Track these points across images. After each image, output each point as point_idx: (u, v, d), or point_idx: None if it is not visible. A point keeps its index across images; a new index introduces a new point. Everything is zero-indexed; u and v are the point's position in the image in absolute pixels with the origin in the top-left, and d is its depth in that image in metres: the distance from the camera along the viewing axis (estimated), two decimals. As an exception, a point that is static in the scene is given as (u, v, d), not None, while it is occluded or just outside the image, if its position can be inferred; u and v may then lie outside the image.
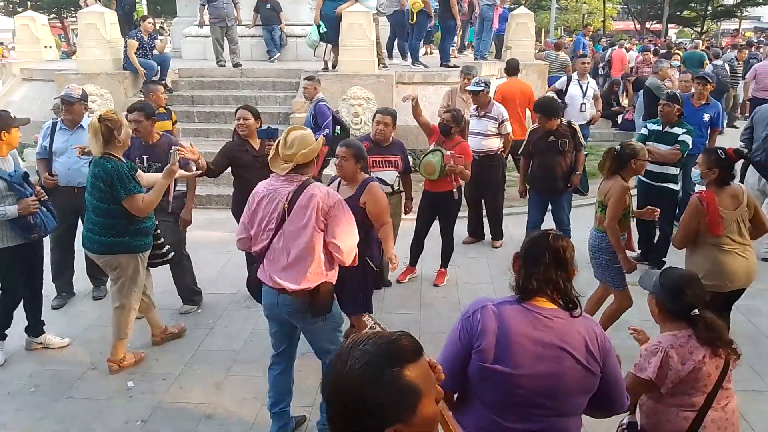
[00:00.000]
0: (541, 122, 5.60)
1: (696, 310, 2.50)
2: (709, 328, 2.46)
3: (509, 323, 2.00)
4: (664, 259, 5.88)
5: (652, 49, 16.02)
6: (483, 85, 6.32)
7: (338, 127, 6.85)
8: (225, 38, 10.56)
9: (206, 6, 10.57)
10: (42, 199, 4.16)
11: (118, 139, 3.87)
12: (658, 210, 4.50)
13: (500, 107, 6.46)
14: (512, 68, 8.21)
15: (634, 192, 4.92)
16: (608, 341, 2.08)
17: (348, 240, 3.19)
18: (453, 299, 5.39)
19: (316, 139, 3.26)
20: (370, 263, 3.99)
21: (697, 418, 2.42)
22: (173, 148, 4.14)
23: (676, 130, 5.71)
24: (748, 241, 3.91)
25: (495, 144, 6.35)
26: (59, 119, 5.10)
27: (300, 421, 3.68)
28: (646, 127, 6.00)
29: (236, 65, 10.56)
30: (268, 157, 3.24)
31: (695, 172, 4.02)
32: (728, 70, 13.18)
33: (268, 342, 4.56)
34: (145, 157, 4.68)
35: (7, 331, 4.36)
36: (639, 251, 5.97)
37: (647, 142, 5.54)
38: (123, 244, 4.02)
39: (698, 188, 4.06)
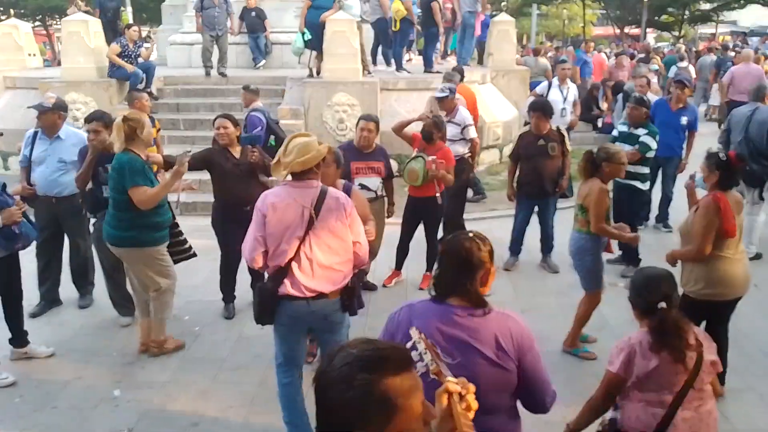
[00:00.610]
0: (539, 122, 5.68)
1: (663, 305, 2.53)
2: (665, 330, 2.49)
3: (422, 321, 2.08)
4: (639, 257, 5.98)
5: (629, 53, 16.26)
6: (447, 91, 6.40)
7: (272, 137, 6.70)
8: (215, 46, 10.51)
9: (201, 12, 10.49)
10: (22, 210, 4.13)
11: (140, 138, 4.17)
12: (639, 237, 4.71)
13: (464, 112, 6.46)
14: (459, 74, 8.14)
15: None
16: (527, 338, 2.13)
17: (363, 242, 3.31)
18: (438, 303, 5.43)
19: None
20: None
21: (665, 416, 2.47)
22: (184, 151, 4.31)
23: (640, 131, 5.93)
24: (742, 248, 3.87)
25: (459, 149, 6.27)
26: (40, 128, 5.08)
27: None
28: (616, 129, 6.24)
29: (222, 74, 10.54)
30: (271, 163, 3.30)
31: (698, 176, 4.03)
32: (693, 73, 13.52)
33: (254, 349, 4.63)
34: (109, 165, 4.48)
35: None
36: (619, 252, 6.09)
37: (616, 143, 5.70)
38: (130, 239, 4.22)
39: (700, 193, 4.05)
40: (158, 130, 6.67)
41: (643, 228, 7.19)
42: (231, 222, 4.79)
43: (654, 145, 5.92)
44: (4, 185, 4.10)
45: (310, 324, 3.33)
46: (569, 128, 8.46)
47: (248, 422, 3.78)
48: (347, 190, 4.03)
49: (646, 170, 6.00)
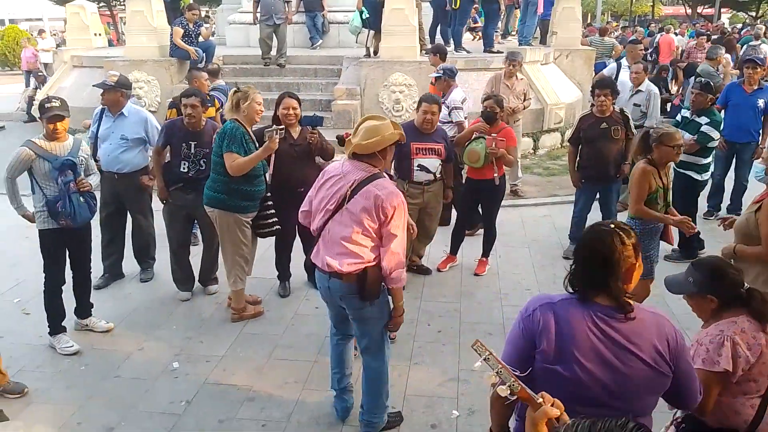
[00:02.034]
0: (605, 102, 5.42)
1: (747, 286, 2.39)
2: (764, 302, 2.34)
3: (569, 324, 1.92)
4: (699, 251, 5.71)
5: (698, 34, 15.47)
6: (441, 71, 6.23)
7: None
8: (274, 36, 10.23)
9: (258, 2, 10.26)
10: (83, 190, 4.20)
11: (242, 109, 4.38)
12: (695, 229, 4.42)
13: (456, 94, 6.18)
14: (442, 53, 7.71)
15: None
16: (681, 340, 1.99)
17: (399, 242, 3.15)
18: (494, 289, 5.32)
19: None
20: None
21: (761, 404, 2.31)
22: (274, 126, 4.46)
23: (702, 119, 5.64)
24: None
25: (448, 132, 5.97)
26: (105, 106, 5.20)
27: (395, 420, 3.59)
28: (680, 113, 5.92)
29: (280, 65, 10.36)
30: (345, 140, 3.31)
31: (759, 166, 3.78)
32: None
33: (309, 327, 4.66)
34: (192, 143, 4.78)
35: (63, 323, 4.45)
36: (678, 248, 5.80)
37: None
38: (219, 200, 4.48)
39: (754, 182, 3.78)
40: (218, 110, 6.73)
41: (713, 218, 6.85)
42: (285, 202, 4.77)
43: (716, 135, 5.63)
44: (71, 163, 4.16)
45: (336, 299, 3.33)
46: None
47: (302, 399, 3.80)
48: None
49: (704, 161, 5.69)
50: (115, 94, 5.11)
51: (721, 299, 2.44)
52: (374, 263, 3.18)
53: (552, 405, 1.61)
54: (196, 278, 5.24)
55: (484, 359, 1.69)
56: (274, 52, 10.41)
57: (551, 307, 1.97)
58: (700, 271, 2.49)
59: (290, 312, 4.92)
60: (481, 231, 5.85)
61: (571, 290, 2.03)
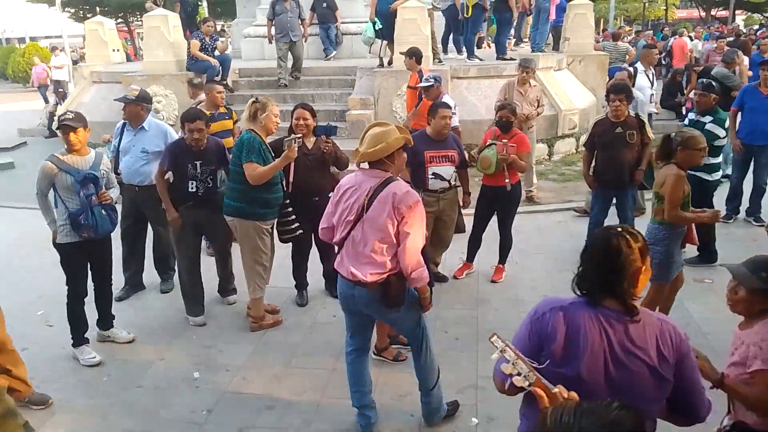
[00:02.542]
0: (620, 106, 5.41)
1: None
2: None
3: (578, 326, 1.93)
4: (716, 252, 5.74)
5: (717, 37, 15.37)
6: (432, 80, 6.23)
7: None
8: (290, 54, 10.16)
9: (272, 21, 10.16)
10: (105, 203, 4.28)
11: (260, 120, 4.50)
12: (719, 212, 4.35)
13: (449, 100, 6.16)
14: (418, 56, 7.68)
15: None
16: (685, 344, 1.97)
17: (414, 240, 3.18)
18: (510, 295, 5.32)
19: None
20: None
21: None
22: (292, 136, 4.50)
23: (706, 118, 5.68)
24: None
25: None
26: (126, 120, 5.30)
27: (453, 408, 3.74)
28: (687, 116, 5.96)
29: (295, 77, 10.36)
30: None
31: None
32: None
33: (327, 336, 4.68)
34: (198, 162, 4.72)
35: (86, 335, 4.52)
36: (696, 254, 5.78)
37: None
38: (238, 209, 4.56)
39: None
40: (235, 122, 6.81)
41: (732, 222, 6.79)
42: (300, 211, 4.84)
43: (721, 133, 5.63)
44: (94, 176, 4.25)
45: (361, 307, 3.37)
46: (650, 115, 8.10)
47: (321, 407, 3.83)
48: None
49: (713, 161, 5.68)
50: (136, 107, 5.20)
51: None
52: (396, 270, 3.22)
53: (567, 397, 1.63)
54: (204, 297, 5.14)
55: (501, 351, 1.73)
56: (284, 74, 10.24)
57: (562, 309, 1.98)
58: (752, 269, 2.46)
59: (308, 320, 4.95)
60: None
61: (578, 293, 2.04)
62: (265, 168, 4.44)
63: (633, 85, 7.06)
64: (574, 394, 1.66)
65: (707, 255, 5.77)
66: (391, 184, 3.19)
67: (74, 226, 4.18)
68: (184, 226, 4.85)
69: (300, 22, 10.19)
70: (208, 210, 4.79)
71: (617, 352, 1.90)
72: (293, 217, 4.78)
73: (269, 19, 10.25)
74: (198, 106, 6.18)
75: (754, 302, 2.46)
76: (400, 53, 8.93)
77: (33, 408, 3.86)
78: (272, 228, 4.82)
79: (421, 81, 7.13)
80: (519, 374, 1.72)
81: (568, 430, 1.12)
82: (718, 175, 5.86)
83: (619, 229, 2.00)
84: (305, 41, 10.52)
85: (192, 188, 4.76)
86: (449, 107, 5.13)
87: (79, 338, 4.44)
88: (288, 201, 4.76)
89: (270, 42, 10.41)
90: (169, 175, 4.84)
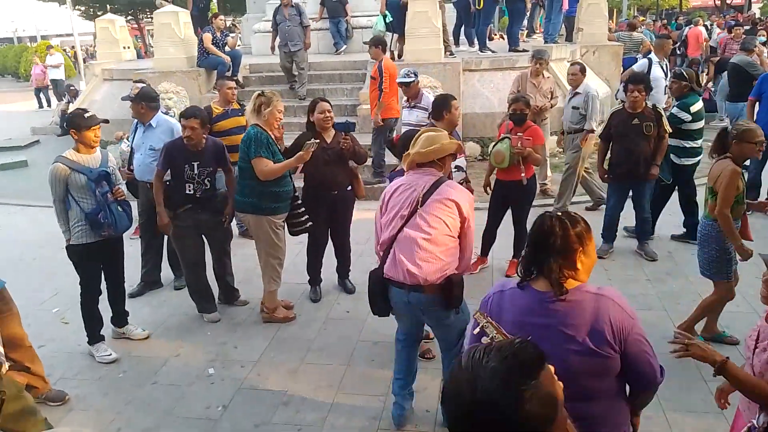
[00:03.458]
0: (638, 98, 5.34)
1: None
2: None
3: (512, 309, 2.04)
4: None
5: (733, 25, 15.12)
6: (413, 75, 6.18)
7: None
8: (293, 63, 9.77)
9: (276, 31, 9.80)
10: (120, 198, 4.29)
11: (263, 114, 4.46)
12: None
13: (430, 97, 6.16)
14: (383, 45, 7.72)
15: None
16: (628, 319, 1.99)
17: (472, 238, 3.23)
18: (526, 289, 5.26)
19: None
20: None
21: None
22: (312, 140, 4.46)
23: (674, 103, 5.96)
24: None
25: None
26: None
27: None
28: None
29: (301, 98, 9.75)
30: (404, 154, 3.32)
31: None
32: None
33: (341, 331, 4.66)
34: (195, 163, 4.61)
35: (102, 331, 4.52)
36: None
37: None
38: (250, 204, 4.55)
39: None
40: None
41: (750, 213, 6.67)
42: (318, 206, 4.87)
43: (686, 117, 5.74)
44: (107, 174, 4.24)
45: (418, 313, 3.29)
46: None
47: (336, 403, 3.81)
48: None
49: (689, 144, 5.80)
50: (137, 106, 5.20)
51: None
52: (453, 268, 3.17)
53: None
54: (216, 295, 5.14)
55: (482, 326, 1.81)
56: (294, 79, 9.94)
57: (501, 295, 2.12)
58: None
59: (322, 316, 4.93)
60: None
61: (519, 275, 2.12)
62: (277, 166, 4.44)
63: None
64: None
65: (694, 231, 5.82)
66: (448, 182, 3.22)
67: (94, 226, 4.16)
68: (183, 230, 4.76)
69: (303, 30, 9.66)
70: (208, 213, 4.75)
71: (544, 333, 1.94)
72: (303, 209, 4.77)
73: (272, 29, 9.98)
74: (212, 103, 6.17)
75: None
76: (364, 42, 8.92)
77: (50, 405, 3.87)
78: (284, 222, 4.78)
79: (380, 71, 7.20)
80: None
81: (478, 365, 1.23)
82: (692, 160, 5.89)
83: (559, 213, 2.10)
84: (307, 47, 10.01)
85: (189, 190, 4.64)
86: (455, 98, 5.07)
87: (94, 336, 4.45)
88: (297, 195, 4.75)
89: (273, 52, 10.18)
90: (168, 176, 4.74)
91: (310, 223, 4.80)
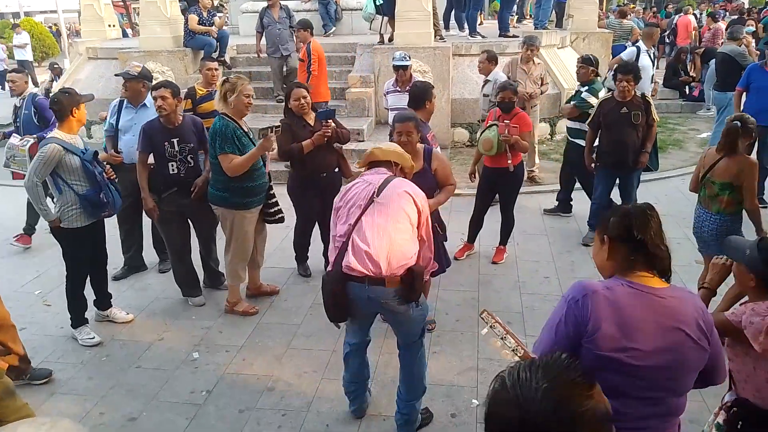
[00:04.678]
0: (627, 87, 5.35)
1: None
2: None
3: (626, 309, 1.88)
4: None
5: (722, 16, 15.14)
6: (408, 59, 6.18)
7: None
8: (285, 68, 9.19)
9: (262, 34, 9.14)
10: (110, 178, 4.27)
11: (230, 102, 4.28)
12: None
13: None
14: (312, 28, 7.82)
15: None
16: (709, 315, 2.02)
17: (431, 233, 3.24)
18: (512, 277, 5.29)
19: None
20: (438, 227, 4.09)
21: None
22: (270, 125, 4.37)
23: (583, 87, 6.26)
24: None
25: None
26: (126, 97, 5.18)
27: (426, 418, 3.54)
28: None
29: (279, 101, 8.90)
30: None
31: None
32: None
33: (326, 317, 4.63)
34: (174, 140, 4.57)
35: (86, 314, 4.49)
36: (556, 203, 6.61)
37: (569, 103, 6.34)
38: (222, 198, 4.45)
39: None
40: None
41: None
42: (308, 188, 4.90)
43: (594, 101, 5.98)
44: (96, 153, 4.24)
45: (376, 309, 3.24)
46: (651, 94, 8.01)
47: (321, 389, 3.81)
48: (428, 153, 4.02)
49: (586, 128, 5.97)
50: (138, 84, 5.10)
51: (761, 283, 2.38)
52: (414, 260, 3.11)
53: None
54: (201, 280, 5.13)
55: (490, 326, 1.79)
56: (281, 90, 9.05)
57: (603, 294, 1.91)
58: (761, 252, 2.42)
59: (308, 301, 4.92)
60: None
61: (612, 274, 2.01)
62: (242, 159, 4.27)
63: None
64: None
65: (566, 205, 6.68)
66: (401, 178, 3.23)
67: (94, 207, 4.12)
68: (167, 214, 4.71)
69: (292, 33, 8.98)
70: (193, 197, 4.66)
71: (668, 331, 1.89)
72: (275, 200, 4.70)
73: (258, 32, 9.16)
74: (195, 84, 6.08)
75: (743, 279, 2.48)
76: (292, 27, 8.80)
77: (35, 384, 3.86)
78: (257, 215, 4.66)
79: (308, 53, 7.40)
80: (508, 348, 1.76)
81: (526, 385, 1.16)
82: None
83: (642, 205, 2.05)
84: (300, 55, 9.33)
85: (173, 170, 4.59)
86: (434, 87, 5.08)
87: (79, 319, 4.41)
88: (271, 185, 4.67)
89: (258, 56, 9.45)
90: (152, 161, 4.69)
91: (281, 215, 4.76)
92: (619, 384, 1.85)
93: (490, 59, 6.85)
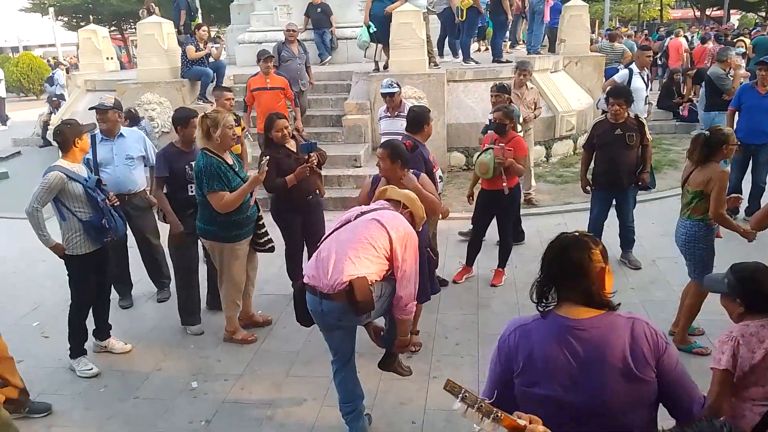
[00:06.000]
0: (619, 110, 5.40)
1: None
2: None
3: (540, 342, 1.88)
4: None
5: (712, 37, 15.36)
6: (396, 86, 6.23)
7: None
8: (298, 104, 8.80)
9: (278, 67, 8.73)
10: (114, 204, 4.31)
11: (214, 137, 4.21)
12: (741, 197, 4.49)
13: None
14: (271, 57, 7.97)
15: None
16: (663, 340, 1.88)
17: (411, 269, 3.18)
18: (511, 300, 5.28)
19: None
20: (430, 252, 4.12)
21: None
22: (265, 158, 4.40)
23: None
24: None
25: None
26: (96, 132, 5.10)
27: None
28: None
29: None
30: None
31: None
32: None
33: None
34: (193, 162, 4.59)
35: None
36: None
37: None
38: (210, 232, 4.44)
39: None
40: (243, 129, 6.69)
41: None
42: (294, 212, 4.95)
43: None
44: (99, 180, 4.29)
45: (331, 321, 3.25)
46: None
47: (322, 415, 3.78)
48: (417, 178, 4.08)
49: None
50: (114, 114, 5.13)
51: (746, 303, 2.43)
52: (361, 274, 3.05)
53: (531, 422, 1.62)
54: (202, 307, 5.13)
55: (462, 398, 1.63)
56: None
57: (525, 329, 1.95)
58: (734, 274, 2.52)
59: (306, 328, 4.88)
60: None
61: (535, 301, 1.99)
62: (233, 196, 4.24)
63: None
64: (536, 418, 1.63)
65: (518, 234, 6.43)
66: (394, 212, 3.28)
67: (98, 233, 4.15)
68: (185, 237, 4.77)
69: (306, 69, 9.11)
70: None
71: (582, 365, 1.84)
72: (265, 230, 4.69)
73: (275, 66, 8.72)
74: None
75: (730, 307, 2.53)
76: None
77: (34, 417, 3.83)
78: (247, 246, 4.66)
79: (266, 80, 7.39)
80: (487, 417, 1.64)
81: None
82: None
83: (576, 234, 2.00)
84: (311, 87, 9.53)
85: (192, 191, 4.66)
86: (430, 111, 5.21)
87: (78, 349, 4.39)
88: (261, 215, 4.67)
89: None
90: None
91: (272, 244, 4.75)
92: (546, 420, 1.74)
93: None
